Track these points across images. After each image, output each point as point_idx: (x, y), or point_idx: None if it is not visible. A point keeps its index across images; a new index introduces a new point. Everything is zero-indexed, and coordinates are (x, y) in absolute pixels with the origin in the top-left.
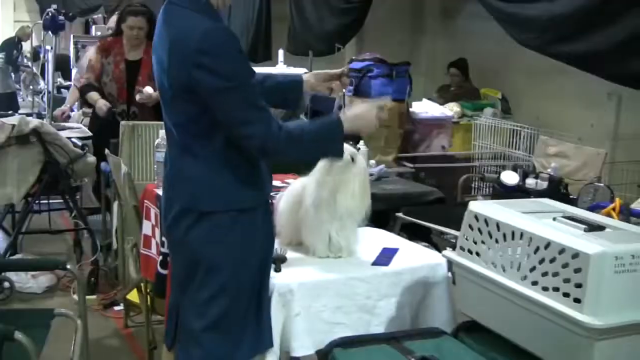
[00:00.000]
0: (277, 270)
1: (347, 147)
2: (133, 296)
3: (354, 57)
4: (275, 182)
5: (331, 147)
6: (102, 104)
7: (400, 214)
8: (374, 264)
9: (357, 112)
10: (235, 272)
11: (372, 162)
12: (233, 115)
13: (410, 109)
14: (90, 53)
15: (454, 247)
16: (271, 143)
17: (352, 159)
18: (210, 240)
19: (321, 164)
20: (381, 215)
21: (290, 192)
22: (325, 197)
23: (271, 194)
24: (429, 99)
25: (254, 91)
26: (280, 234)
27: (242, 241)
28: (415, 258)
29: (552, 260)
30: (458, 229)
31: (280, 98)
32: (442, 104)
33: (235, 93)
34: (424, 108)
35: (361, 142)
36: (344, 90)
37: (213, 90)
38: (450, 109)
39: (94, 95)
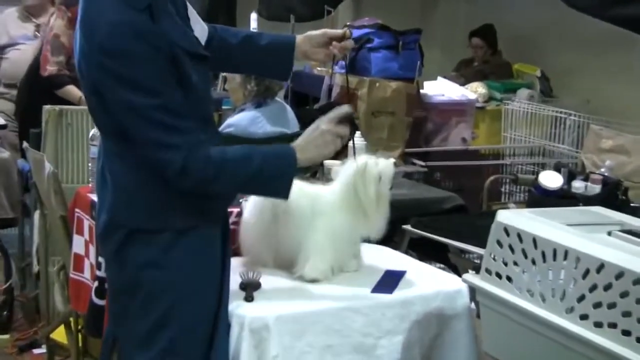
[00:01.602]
0: (248, 299)
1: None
2: (59, 335)
3: (349, 23)
4: None
5: (276, 186)
6: None
7: (408, 227)
8: (375, 291)
9: (307, 137)
10: (179, 300)
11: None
12: (145, 136)
13: (422, 91)
14: (56, 25)
15: (477, 270)
16: (194, 173)
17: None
18: (147, 262)
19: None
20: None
21: (260, 199)
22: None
23: (231, 206)
24: (445, 77)
25: (176, 108)
26: (251, 253)
27: (186, 265)
28: (428, 284)
29: (607, 288)
30: (483, 246)
31: (264, 66)
32: (463, 84)
33: (150, 111)
34: (440, 89)
35: (358, 133)
36: (346, 56)
37: (120, 103)
38: (474, 91)
39: (73, 91)
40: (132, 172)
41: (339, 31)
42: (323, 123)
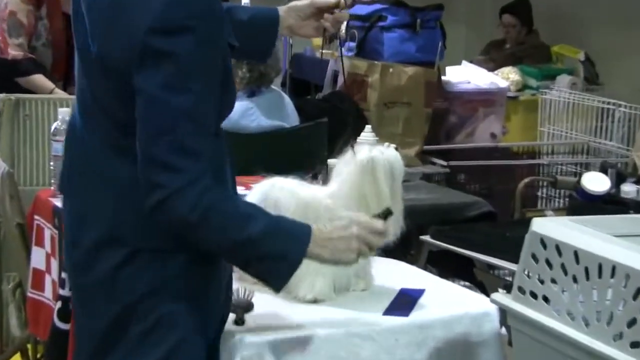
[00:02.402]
0: (239, 322)
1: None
2: None
3: None
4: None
5: (270, 268)
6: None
7: (426, 238)
8: (387, 313)
9: (332, 231)
10: (189, 335)
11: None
12: (148, 142)
13: (443, 78)
14: (10, 1)
15: (509, 289)
16: (178, 209)
17: None
18: (154, 290)
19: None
20: (399, 238)
21: (259, 202)
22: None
23: None
24: (471, 61)
25: (202, 119)
26: None
27: (201, 294)
28: (450, 305)
29: None
30: (515, 261)
31: (242, 45)
32: (492, 69)
33: (172, 113)
34: (465, 76)
35: (368, 127)
36: (341, 33)
37: (148, 90)
38: (505, 77)
39: (42, 81)
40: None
41: (330, 0)
42: (357, 225)
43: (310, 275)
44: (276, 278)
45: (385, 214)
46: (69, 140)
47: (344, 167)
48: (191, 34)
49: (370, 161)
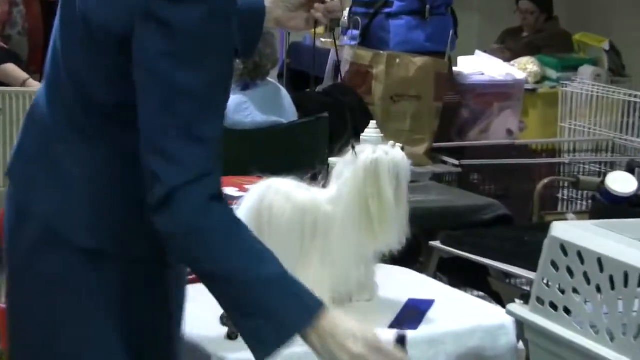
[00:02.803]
0: (232, 336)
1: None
2: None
3: None
4: (228, 190)
5: (260, 327)
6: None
7: (436, 243)
8: (393, 326)
9: (338, 335)
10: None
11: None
12: (149, 123)
13: (455, 69)
14: None
15: (526, 299)
16: (180, 212)
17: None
18: (92, 297)
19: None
20: (406, 244)
21: (254, 206)
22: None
23: None
24: (485, 51)
25: (217, 104)
26: None
27: (155, 306)
28: (462, 317)
29: None
30: (533, 269)
31: None
32: (508, 59)
33: (183, 92)
34: (478, 67)
35: (373, 123)
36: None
37: (150, 63)
38: (522, 68)
39: (15, 71)
40: (109, 159)
41: None
42: (363, 343)
43: (306, 284)
44: (261, 343)
45: None
46: (27, 119)
47: (345, 168)
48: (205, 4)
49: (373, 163)
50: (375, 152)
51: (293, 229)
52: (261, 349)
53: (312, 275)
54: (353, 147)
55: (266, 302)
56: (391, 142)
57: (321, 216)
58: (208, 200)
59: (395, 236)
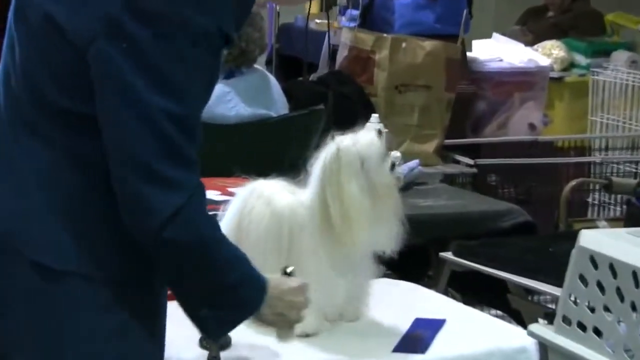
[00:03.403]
0: None
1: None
2: None
3: None
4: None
5: (224, 311)
6: None
7: (448, 255)
8: (398, 349)
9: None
10: None
11: (396, 154)
12: (139, 154)
13: (469, 54)
14: None
15: (551, 319)
16: (188, 226)
17: (394, 167)
18: (72, 328)
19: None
20: (413, 255)
21: (236, 212)
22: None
23: None
24: (504, 34)
25: (193, 124)
26: None
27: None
28: (477, 338)
29: None
30: (559, 284)
31: None
32: (530, 43)
33: (164, 119)
34: (496, 52)
35: (374, 117)
36: None
37: (117, 90)
38: (547, 53)
39: None
40: (73, 166)
41: None
42: (301, 293)
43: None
44: (220, 328)
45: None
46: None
47: (317, 163)
48: (189, 30)
49: (334, 155)
50: (343, 141)
51: (270, 238)
52: (220, 333)
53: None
54: (332, 138)
55: (239, 298)
56: (376, 127)
57: (296, 224)
58: (200, 216)
59: (377, 241)
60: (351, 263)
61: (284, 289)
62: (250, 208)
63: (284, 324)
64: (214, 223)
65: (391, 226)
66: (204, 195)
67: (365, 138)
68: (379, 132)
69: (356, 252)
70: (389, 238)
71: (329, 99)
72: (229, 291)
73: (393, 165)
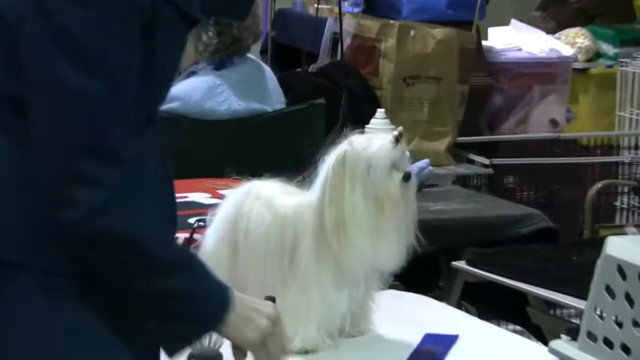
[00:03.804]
0: None
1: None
2: None
3: None
4: (197, 196)
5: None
6: None
7: (461, 264)
8: None
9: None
10: None
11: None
12: (60, 139)
13: (485, 43)
14: None
15: (574, 334)
16: (113, 216)
17: (409, 177)
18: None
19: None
20: (423, 265)
21: (229, 216)
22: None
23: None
24: (523, 20)
25: (122, 108)
26: None
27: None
28: (494, 356)
29: None
30: (583, 296)
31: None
32: (552, 31)
33: (83, 102)
34: (514, 40)
35: (380, 112)
36: None
37: (41, 75)
38: (571, 42)
39: None
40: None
41: None
42: (266, 318)
43: (291, 320)
44: (176, 344)
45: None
46: None
47: (324, 166)
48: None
49: (340, 157)
50: (354, 143)
51: (272, 243)
52: (171, 349)
53: (300, 298)
54: (346, 136)
55: (191, 308)
56: (399, 129)
57: (301, 228)
58: (125, 213)
59: (376, 258)
60: (354, 276)
61: (249, 307)
62: (246, 211)
63: (260, 353)
64: (148, 222)
65: (393, 244)
66: (138, 191)
67: (377, 143)
68: (397, 138)
69: (359, 264)
70: (389, 256)
71: (342, 93)
72: (175, 300)
73: (407, 177)
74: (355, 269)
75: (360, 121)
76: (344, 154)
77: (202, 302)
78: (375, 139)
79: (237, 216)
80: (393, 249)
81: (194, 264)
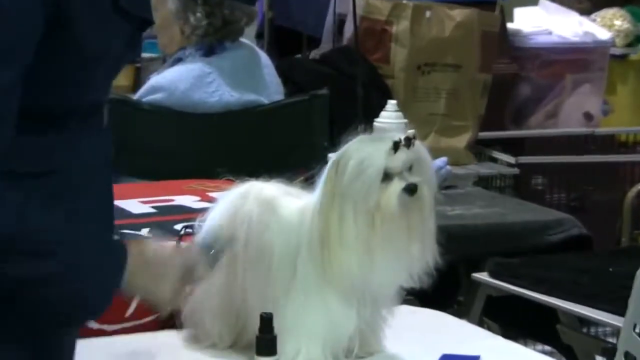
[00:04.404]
0: None
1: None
2: None
3: None
4: (184, 200)
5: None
6: None
7: (482, 275)
8: None
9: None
10: None
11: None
12: None
13: (510, 26)
14: None
15: (610, 355)
16: None
17: (414, 190)
18: None
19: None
20: (439, 277)
21: (225, 222)
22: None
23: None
24: (553, 0)
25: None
26: (199, 326)
27: None
28: None
29: None
30: (620, 313)
31: None
32: (586, 11)
33: None
34: (543, 22)
35: (392, 103)
36: None
37: None
38: (607, 25)
39: None
40: None
41: None
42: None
43: (292, 337)
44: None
45: None
46: None
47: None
48: None
49: (334, 163)
50: (350, 146)
51: (278, 252)
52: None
53: (304, 314)
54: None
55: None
56: (410, 131)
57: (306, 234)
58: None
59: (369, 277)
60: (361, 292)
61: (154, 259)
62: (246, 217)
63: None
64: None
65: (391, 262)
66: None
67: (370, 147)
68: (397, 143)
69: (346, 282)
70: (386, 276)
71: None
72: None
73: (410, 189)
74: (343, 287)
75: (368, 114)
76: (339, 157)
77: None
78: (373, 141)
79: (234, 224)
80: (391, 268)
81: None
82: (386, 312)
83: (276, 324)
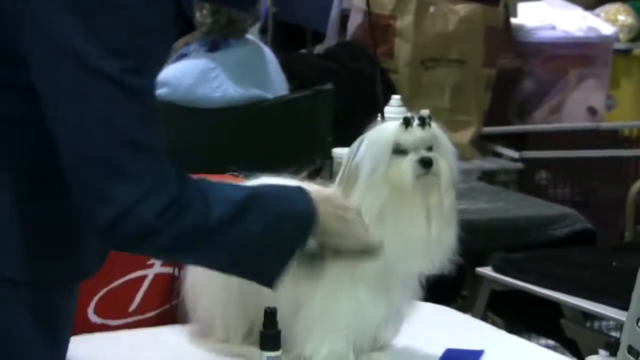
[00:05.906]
0: None
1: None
2: None
3: None
4: None
5: (270, 262)
6: None
7: (486, 270)
8: None
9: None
10: None
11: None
12: (82, 143)
13: (514, 21)
14: None
15: (614, 350)
16: (147, 226)
17: (429, 163)
18: None
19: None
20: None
21: None
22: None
23: None
24: None
25: (150, 96)
26: (206, 320)
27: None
28: None
29: None
30: (623, 307)
31: None
32: (591, 6)
33: (110, 90)
34: (547, 17)
35: (396, 98)
36: None
37: (52, 48)
38: (612, 19)
39: None
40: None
41: None
42: (350, 211)
43: (318, 328)
44: (267, 275)
45: None
46: None
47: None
48: None
49: (355, 145)
50: (369, 130)
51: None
52: (270, 279)
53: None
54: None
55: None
56: (424, 111)
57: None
58: (178, 197)
59: (398, 255)
60: (390, 279)
61: (337, 206)
62: None
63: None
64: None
65: (408, 242)
66: (169, 173)
67: (389, 124)
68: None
69: (395, 267)
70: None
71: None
72: (256, 244)
73: (427, 162)
74: (402, 271)
75: (372, 110)
76: (356, 142)
77: (279, 232)
78: (387, 122)
79: None
80: (409, 247)
81: (251, 196)
82: (408, 304)
83: (296, 325)
